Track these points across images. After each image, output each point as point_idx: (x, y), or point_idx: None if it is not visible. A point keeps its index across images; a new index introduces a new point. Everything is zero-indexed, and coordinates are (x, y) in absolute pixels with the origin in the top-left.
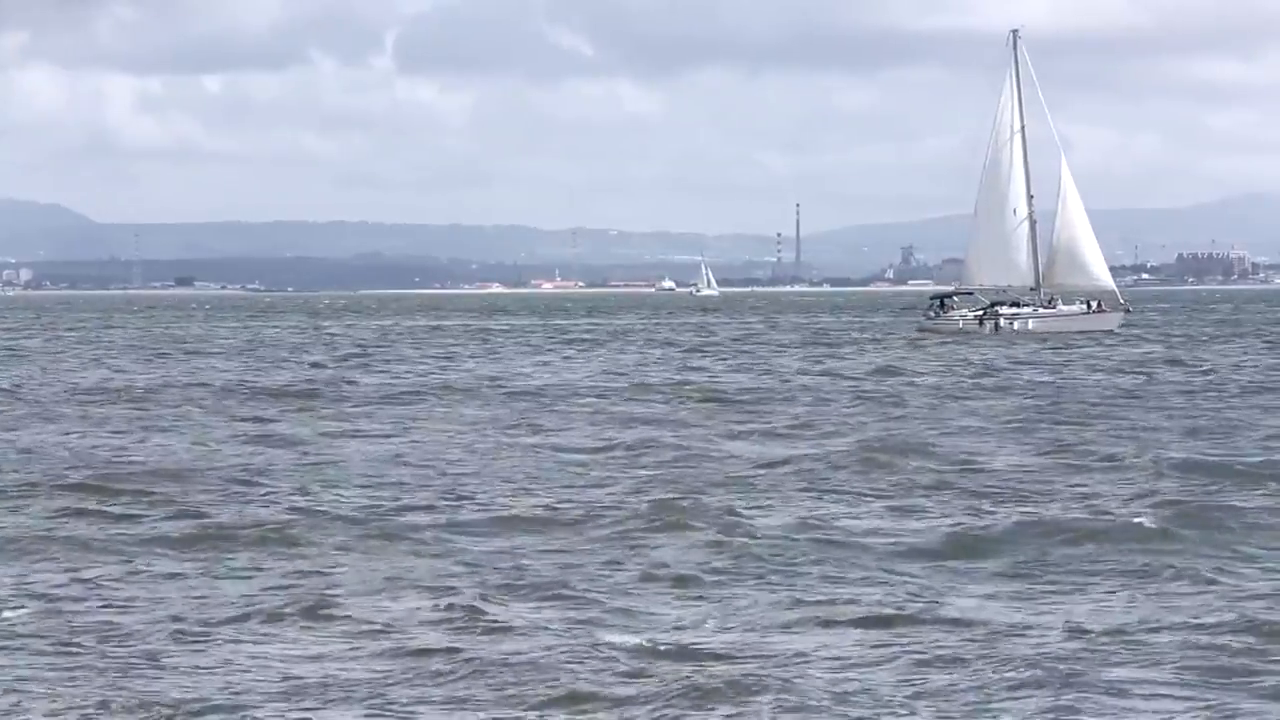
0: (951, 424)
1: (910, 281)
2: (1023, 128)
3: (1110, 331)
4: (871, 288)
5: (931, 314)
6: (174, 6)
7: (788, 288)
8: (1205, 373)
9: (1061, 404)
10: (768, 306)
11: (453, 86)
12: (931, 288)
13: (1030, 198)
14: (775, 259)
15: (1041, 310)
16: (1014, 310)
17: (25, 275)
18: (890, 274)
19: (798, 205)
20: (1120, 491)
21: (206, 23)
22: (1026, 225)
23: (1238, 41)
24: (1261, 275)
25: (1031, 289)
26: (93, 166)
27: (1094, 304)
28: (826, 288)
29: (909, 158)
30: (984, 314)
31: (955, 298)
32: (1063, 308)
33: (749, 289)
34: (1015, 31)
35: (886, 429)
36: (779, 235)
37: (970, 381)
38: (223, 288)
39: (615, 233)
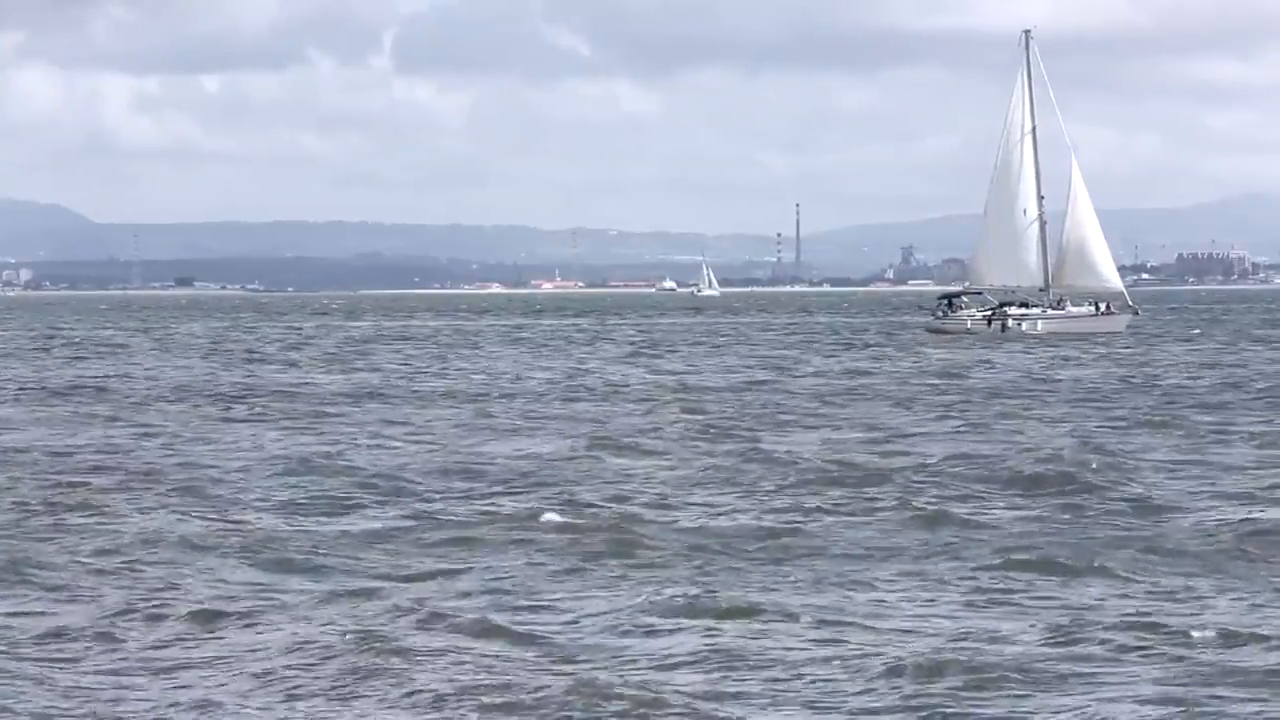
0: (903, 425)
1: (910, 281)
2: (1034, 128)
3: (1118, 333)
4: (871, 288)
5: (940, 314)
6: (172, 6)
7: (788, 288)
8: (1175, 370)
9: (1022, 402)
10: (765, 306)
11: (451, 86)
12: (932, 288)
13: (1041, 198)
14: (775, 259)
15: (1050, 311)
16: (1022, 311)
17: (25, 275)
18: (890, 274)
19: (798, 205)
20: (1056, 491)
21: (204, 22)
22: (1036, 226)
23: (1238, 41)
24: (1261, 275)
25: (1040, 290)
26: (91, 166)
27: (1102, 306)
28: (827, 287)
29: (909, 158)
30: (992, 314)
31: (964, 298)
32: (1071, 309)
33: (749, 289)
34: (1027, 32)
35: (835, 429)
36: (779, 235)
37: (937, 382)
38: (222, 288)
39: (615, 233)
